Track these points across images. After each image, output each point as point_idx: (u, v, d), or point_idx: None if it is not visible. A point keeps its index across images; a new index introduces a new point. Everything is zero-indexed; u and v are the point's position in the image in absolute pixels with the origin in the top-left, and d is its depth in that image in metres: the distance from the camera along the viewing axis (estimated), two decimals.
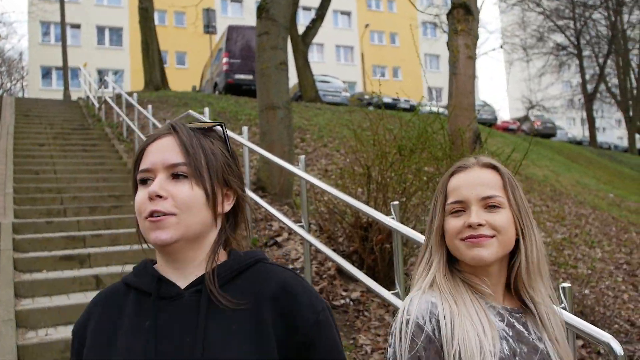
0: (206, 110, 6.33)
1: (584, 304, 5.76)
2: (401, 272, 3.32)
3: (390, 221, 3.31)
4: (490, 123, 22.77)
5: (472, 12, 4.91)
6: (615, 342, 2.08)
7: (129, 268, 4.08)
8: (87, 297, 4.12)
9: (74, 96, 18.51)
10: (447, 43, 4.96)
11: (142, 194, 0.96)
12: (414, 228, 4.69)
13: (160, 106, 11.85)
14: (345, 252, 4.79)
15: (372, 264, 4.56)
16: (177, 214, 0.93)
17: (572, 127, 54.06)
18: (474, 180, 1.17)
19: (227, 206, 1.03)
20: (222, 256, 1.02)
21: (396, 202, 3.45)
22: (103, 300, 1.03)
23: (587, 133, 33.06)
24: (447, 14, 5.04)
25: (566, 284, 2.42)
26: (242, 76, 16.30)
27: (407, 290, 4.60)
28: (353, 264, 4.39)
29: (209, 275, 0.95)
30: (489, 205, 1.15)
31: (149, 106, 8.91)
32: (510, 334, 1.13)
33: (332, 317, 1.00)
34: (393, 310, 4.29)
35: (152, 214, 0.93)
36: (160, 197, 0.93)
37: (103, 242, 5.20)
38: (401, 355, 1.08)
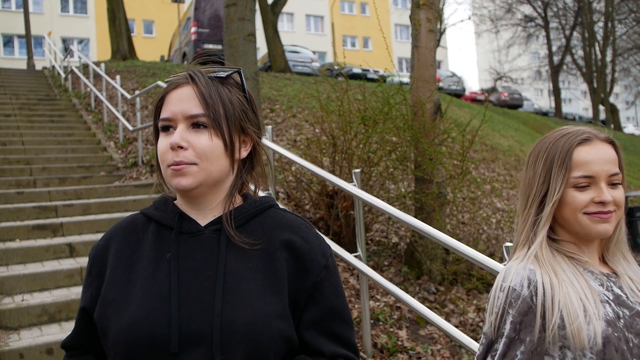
0: None
1: None
2: (362, 236, 3.53)
3: (352, 188, 3.51)
4: (458, 94, 23.07)
5: None
6: None
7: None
8: (61, 264, 4.24)
9: (38, 65, 18.04)
10: (410, 16, 5.11)
11: (164, 141, 1.02)
12: (377, 195, 4.92)
13: (128, 76, 11.72)
14: (312, 219, 5.00)
15: (338, 230, 4.78)
16: (198, 163, 0.99)
17: (539, 98, 55.03)
18: (602, 156, 1.16)
19: (244, 152, 1.08)
20: (238, 199, 1.09)
21: (358, 170, 3.63)
22: (123, 229, 1.09)
23: (554, 104, 33.73)
24: None
25: (509, 244, 2.67)
26: (211, 46, 16.10)
27: (368, 254, 4.84)
28: (319, 230, 4.60)
29: (226, 217, 1.03)
30: (612, 182, 1.16)
31: (117, 77, 8.83)
32: (610, 297, 1.15)
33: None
34: (357, 274, 4.54)
35: (174, 163, 0.99)
36: (182, 147, 0.99)
37: (75, 212, 5.28)
38: (499, 320, 1.11)
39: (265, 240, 1.03)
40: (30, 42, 17.90)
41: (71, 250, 4.48)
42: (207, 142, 0.99)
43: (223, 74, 1.05)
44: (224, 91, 1.03)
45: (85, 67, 12.02)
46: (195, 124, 1.00)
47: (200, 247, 1.01)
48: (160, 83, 6.68)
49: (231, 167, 1.05)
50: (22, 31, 25.43)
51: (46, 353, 3.19)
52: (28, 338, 3.31)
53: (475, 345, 2.69)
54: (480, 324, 4.28)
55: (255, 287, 0.98)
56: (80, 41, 31.60)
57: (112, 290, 1.01)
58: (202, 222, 1.05)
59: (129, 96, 7.88)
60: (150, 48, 28.77)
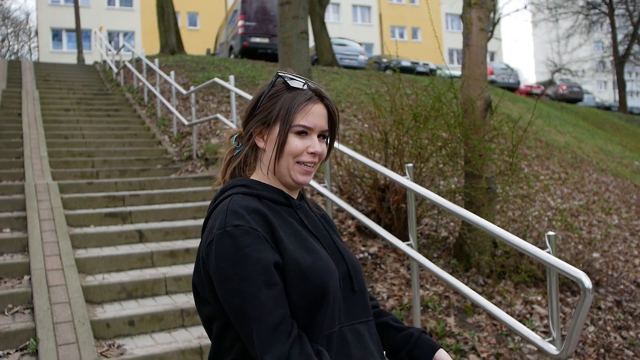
0: (231, 77, 6.91)
1: (590, 265, 6.33)
2: (414, 226, 3.95)
3: (405, 181, 3.93)
4: (512, 87, 22.97)
5: None
6: (585, 278, 2.69)
7: (167, 224, 4.78)
8: (133, 249, 4.83)
9: (86, 59, 19.11)
10: (461, 16, 5.45)
11: (301, 143, 1.33)
12: (428, 189, 5.30)
13: (178, 71, 12.42)
14: (364, 211, 5.44)
15: (389, 223, 5.20)
16: (316, 164, 1.38)
17: (602, 91, 53.57)
18: None
19: None
20: None
21: (410, 165, 4.05)
22: (265, 209, 1.30)
23: (618, 97, 32.91)
24: None
25: (551, 233, 3.03)
26: (257, 39, 16.75)
27: (418, 246, 5.24)
28: (372, 222, 5.03)
29: (305, 197, 1.50)
30: None
31: (172, 72, 9.49)
32: None
33: None
34: (407, 264, 4.95)
35: (307, 163, 1.35)
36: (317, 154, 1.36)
37: (140, 202, 5.90)
38: None
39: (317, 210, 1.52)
40: (80, 36, 19.01)
41: (140, 236, 5.08)
42: (325, 149, 1.39)
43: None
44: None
45: (137, 62, 12.80)
46: (322, 136, 1.38)
47: (308, 216, 1.42)
48: (217, 80, 7.24)
49: None
50: (70, 25, 26.80)
51: (128, 324, 3.76)
52: (112, 311, 3.89)
53: (527, 332, 3.05)
54: (527, 315, 4.63)
55: (339, 239, 1.46)
56: (125, 34, 32.97)
57: (291, 248, 1.26)
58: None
59: (184, 92, 8.51)
60: (195, 40, 29.78)
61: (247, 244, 1.20)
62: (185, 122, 8.21)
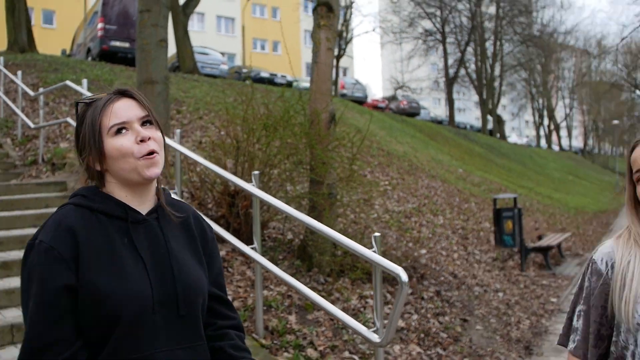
0: (84, 81, 6.41)
1: (416, 261, 6.83)
2: (258, 231, 3.94)
3: (251, 187, 3.91)
4: (361, 101, 24.14)
5: (333, 10, 5.60)
6: (402, 273, 2.86)
7: (2, 233, 4.26)
8: None
9: None
10: (312, 35, 5.61)
11: (126, 140, 1.21)
12: (277, 195, 5.35)
13: (28, 70, 11.26)
14: (214, 216, 5.33)
15: (238, 227, 5.15)
16: (159, 152, 1.24)
17: (437, 107, 58.38)
18: None
19: None
20: None
21: (257, 172, 4.04)
22: (79, 219, 1.21)
23: (448, 113, 36.06)
24: (313, 9, 5.69)
25: (377, 234, 3.19)
26: (118, 43, 15.79)
27: (265, 249, 5.24)
28: (220, 227, 4.94)
29: (164, 204, 1.32)
30: None
31: (19, 72, 8.57)
32: None
33: None
34: (253, 266, 4.93)
35: (149, 152, 1.21)
36: (150, 138, 1.22)
37: None
38: (578, 280, 1.48)
39: (182, 219, 1.35)
40: None
41: None
42: (160, 134, 1.27)
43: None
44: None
45: None
46: (145, 122, 1.25)
47: (149, 233, 1.27)
48: (68, 83, 6.67)
49: None
50: None
51: None
52: None
53: (355, 324, 3.19)
54: (362, 309, 4.84)
55: (190, 257, 1.31)
56: None
57: (95, 270, 1.17)
58: (142, 210, 1.28)
59: (32, 93, 7.73)
60: (49, 39, 27.28)
61: (40, 262, 1.16)
62: (32, 125, 7.45)
